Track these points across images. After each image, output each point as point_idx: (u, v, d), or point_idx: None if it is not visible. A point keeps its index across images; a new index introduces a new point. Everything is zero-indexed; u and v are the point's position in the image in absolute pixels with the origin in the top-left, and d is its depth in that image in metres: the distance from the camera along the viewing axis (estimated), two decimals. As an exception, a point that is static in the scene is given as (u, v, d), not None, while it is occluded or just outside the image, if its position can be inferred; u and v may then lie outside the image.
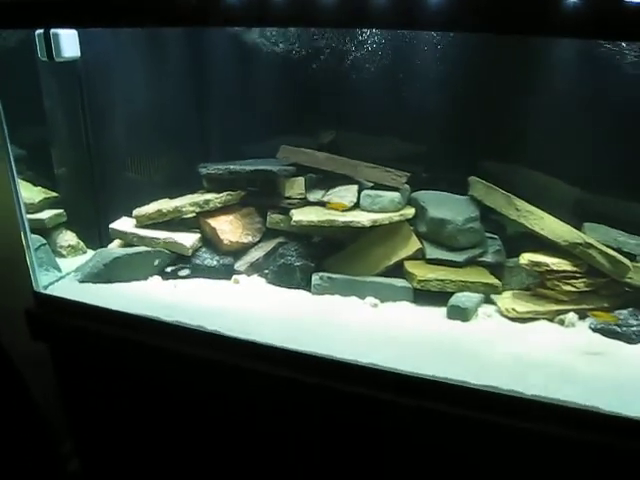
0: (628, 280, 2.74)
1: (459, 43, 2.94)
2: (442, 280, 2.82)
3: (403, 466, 2.54)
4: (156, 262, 3.03)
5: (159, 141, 3.33)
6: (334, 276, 2.91)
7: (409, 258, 2.97)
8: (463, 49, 2.95)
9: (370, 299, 2.85)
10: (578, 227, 2.86)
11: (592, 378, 2.35)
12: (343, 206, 2.93)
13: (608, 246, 2.76)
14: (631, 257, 2.79)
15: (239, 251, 3.15)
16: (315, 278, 2.92)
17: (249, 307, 2.82)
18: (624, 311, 2.71)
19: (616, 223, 2.93)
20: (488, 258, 2.98)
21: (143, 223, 3.11)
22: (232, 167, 3.11)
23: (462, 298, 2.77)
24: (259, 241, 3.18)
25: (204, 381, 2.70)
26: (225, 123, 3.32)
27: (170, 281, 3.02)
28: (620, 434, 2.13)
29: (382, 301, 2.86)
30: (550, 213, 2.86)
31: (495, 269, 2.99)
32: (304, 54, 3.12)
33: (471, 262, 2.96)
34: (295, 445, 2.69)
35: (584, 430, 2.16)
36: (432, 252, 2.95)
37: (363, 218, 2.88)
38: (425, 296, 2.85)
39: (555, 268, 2.73)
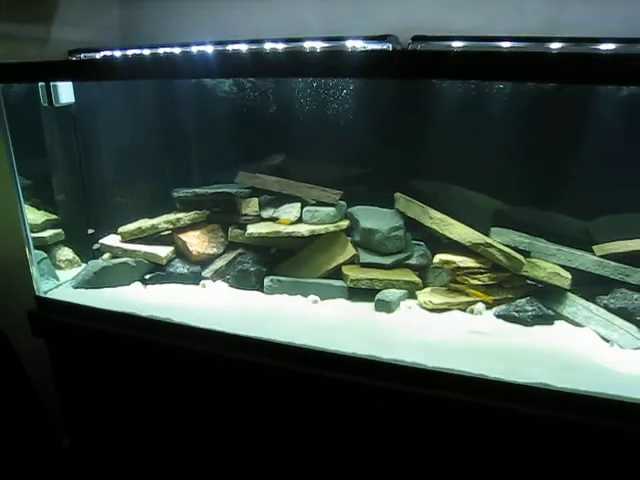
0: (525, 273, 3.11)
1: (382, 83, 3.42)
2: (371, 279, 3.23)
3: (327, 433, 2.90)
4: (137, 271, 3.46)
5: (140, 171, 3.77)
6: (282, 279, 3.32)
7: (346, 263, 3.37)
8: (387, 87, 3.44)
9: (312, 297, 3.25)
10: (486, 231, 3.26)
11: (488, 353, 2.74)
12: (288, 221, 3.37)
13: (507, 246, 3.15)
14: (526, 254, 3.18)
15: (206, 261, 3.56)
16: (267, 281, 3.34)
17: (212, 305, 3.23)
18: (522, 300, 3.09)
19: (522, 227, 3.30)
20: (414, 261, 3.40)
21: (127, 238, 3.53)
22: (198, 191, 3.57)
23: (387, 293, 3.16)
24: (223, 252, 3.60)
25: (173, 365, 3.06)
26: (194, 155, 3.76)
27: (149, 286, 3.45)
28: (511, 397, 2.49)
29: (322, 299, 3.26)
30: (461, 221, 3.25)
31: (421, 270, 3.41)
32: (255, 96, 3.60)
33: (399, 265, 3.36)
34: (244, 415, 3.06)
35: (478, 395, 2.52)
36: (365, 257, 3.35)
37: (303, 229, 3.31)
38: (359, 293, 3.25)
39: (462, 265, 3.12)
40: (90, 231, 3.76)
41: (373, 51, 2.80)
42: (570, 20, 3.06)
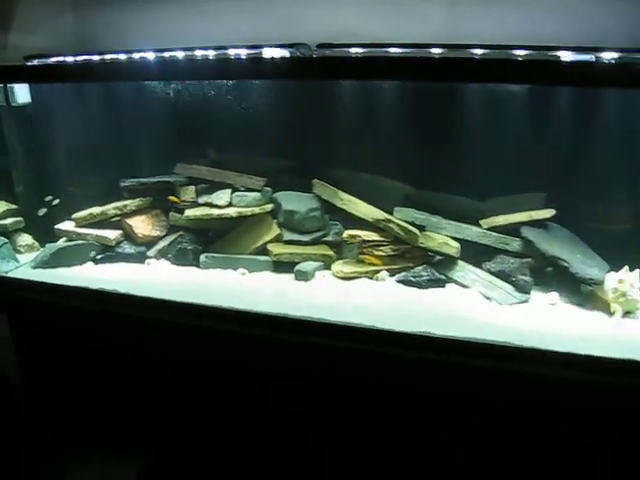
0: (421, 245, 3.48)
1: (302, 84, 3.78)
2: (291, 253, 3.60)
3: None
4: (89, 252, 3.78)
5: (92, 164, 4.08)
6: (216, 255, 3.69)
7: (272, 241, 3.73)
8: (307, 89, 3.78)
9: (241, 270, 3.62)
10: (391, 210, 3.61)
11: (383, 310, 3.10)
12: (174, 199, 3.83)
13: (406, 221, 3.52)
14: (422, 228, 3.54)
15: (150, 242, 3.90)
16: (202, 257, 3.70)
17: (153, 278, 3.59)
18: (419, 267, 3.47)
19: (426, 208, 3.65)
20: (330, 238, 3.77)
21: (80, 224, 3.84)
22: (142, 180, 3.93)
23: (304, 265, 3.53)
24: (165, 234, 3.94)
25: (121, 331, 3.37)
26: (140, 150, 4.08)
27: (100, 265, 3.78)
28: (398, 344, 2.83)
29: (250, 271, 3.62)
30: (374, 203, 3.60)
31: (337, 246, 3.77)
32: (194, 97, 3.95)
33: (317, 241, 3.73)
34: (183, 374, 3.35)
35: (370, 342, 2.87)
36: (287, 235, 3.72)
37: (231, 211, 3.69)
38: (282, 266, 3.61)
39: (367, 239, 3.50)
40: (41, 211, 4.03)
41: (282, 57, 3.17)
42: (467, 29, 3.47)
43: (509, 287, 3.29)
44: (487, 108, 3.49)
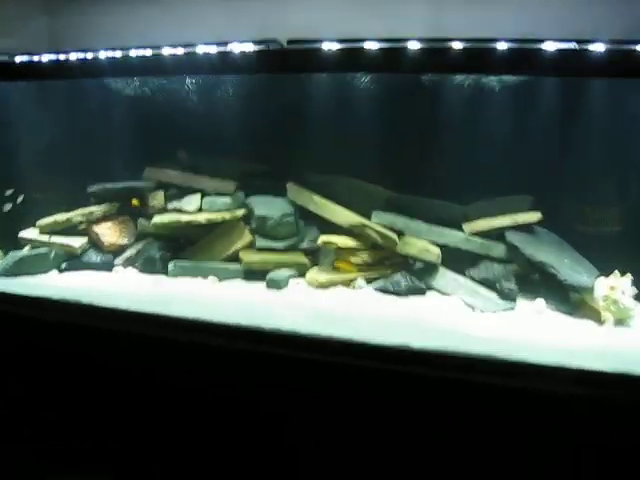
0: (399, 251, 3.29)
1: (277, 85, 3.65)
2: (263, 261, 3.42)
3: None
4: (54, 260, 3.61)
5: (58, 170, 3.88)
6: (185, 263, 3.52)
7: (244, 248, 3.55)
8: (281, 90, 3.64)
9: (211, 278, 3.44)
10: (369, 215, 3.43)
11: (359, 320, 2.94)
12: (137, 202, 3.67)
13: (384, 226, 3.34)
14: (401, 233, 3.36)
15: (118, 250, 3.73)
16: (170, 265, 3.52)
17: (119, 288, 3.41)
18: (398, 274, 3.28)
19: (406, 213, 3.46)
20: (304, 245, 3.57)
21: (44, 231, 3.68)
22: (108, 186, 3.76)
23: (276, 273, 3.36)
24: (133, 242, 3.77)
25: (83, 343, 3.17)
26: (110, 153, 3.87)
27: (64, 274, 3.60)
28: (374, 357, 2.68)
29: (221, 280, 3.45)
30: (353, 208, 3.44)
31: (312, 253, 3.58)
32: (164, 99, 3.79)
33: (291, 248, 3.53)
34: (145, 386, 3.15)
35: (344, 355, 2.71)
36: (260, 242, 3.52)
37: (200, 217, 3.51)
38: (254, 275, 3.43)
39: (342, 245, 3.32)
40: (7, 207, 3.87)
41: (251, 50, 3.00)
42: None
43: (493, 295, 3.17)
44: (469, 107, 3.35)
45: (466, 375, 2.57)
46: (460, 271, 3.30)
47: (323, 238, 3.35)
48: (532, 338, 2.76)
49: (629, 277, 2.94)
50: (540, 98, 3.23)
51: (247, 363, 2.87)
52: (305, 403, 2.86)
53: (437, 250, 3.28)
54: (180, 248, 3.68)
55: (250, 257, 3.44)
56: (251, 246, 3.56)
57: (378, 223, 3.36)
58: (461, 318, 2.99)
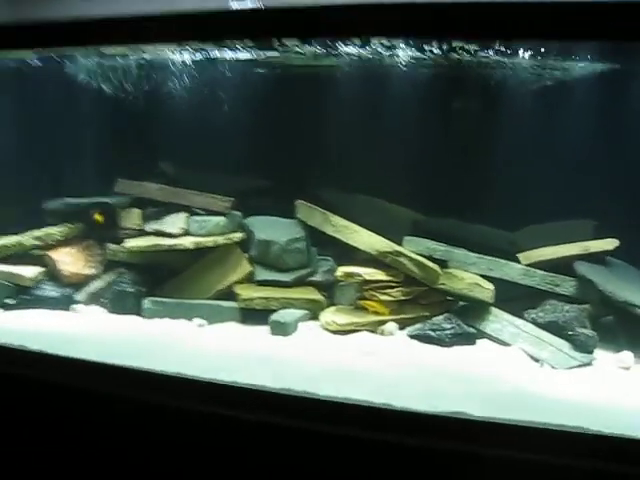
0: (442, 286, 2.70)
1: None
2: (266, 298, 2.79)
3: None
4: None
5: (6, 182, 3.21)
6: (164, 300, 2.87)
7: (241, 281, 2.93)
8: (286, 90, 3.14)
9: (197, 320, 2.79)
10: (401, 238, 2.88)
11: (394, 379, 2.31)
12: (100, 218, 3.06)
13: (421, 255, 2.75)
14: (443, 263, 2.80)
15: (81, 282, 3.07)
16: (146, 302, 2.85)
17: (80, 330, 2.75)
18: (439, 317, 2.68)
19: (441, 238, 2.94)
20: (318, 277, 2.98)
21: None
22: (70, 201, 3.12)
23: (283, 314, 2.73)
24: (102, 273, 3.10)
25: (30, 399, 2.51)
26: (77, 162, 3.26)
27: (10, 311, 2.90)
28: (423, 430, 2.07)
29: (210, 322, 2.80)
30: (372, 229, 2.87)
31: (327, 288, 2.98)
32: (142, 98, 3.21)
33: (301, 282, 2.93)
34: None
35: (381, 429, 2.08)
36: (261, 274, 2.92)
37: (186, 241, 2.88)
38: (254, 315, 2.79)
39: (369, 278, 2.69)
40: None
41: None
42: None
43: (564, 344, 2.62)
44: (510, 111, 2.94)
45: (540, 454, 1.97)
46: (518, 313, 2.74)
47: (343, 269, 2.74)
48: (622, 404, 2.22)
49: None
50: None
51: (245, 435, 2.24)
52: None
53: (491, 286, 2.71)
54: (159, 281, 3.05)
55: (249, 293, 2.84)
56: (250, 279, 2.97)
57: (414, 251, 2.76)
58: (524, 375, 2.44)
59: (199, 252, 2.97)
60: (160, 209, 3.13)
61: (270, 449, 2.29)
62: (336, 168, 3.15)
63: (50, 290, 3.03)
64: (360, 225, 2.92)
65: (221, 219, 2.95)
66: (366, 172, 3.12)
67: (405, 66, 2.99)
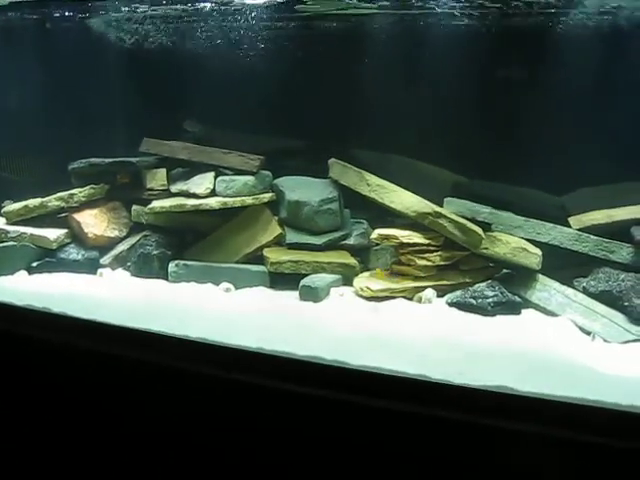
0: (484, 251, 2.54)
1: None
2: (296, 262, 2.68)
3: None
4: (22, 257, 2.88)
5: (30, 143, 3.25)
6: (190, 263, 2.78)
7: (271, 244, 2.83)
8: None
9: (224, 285, 2.69)
10: (440, 202, 2.70)
11: (430, 348, 2.19)
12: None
13: (462, 217, 2.59)
14: (486, 226, 2.63)
15: (105, 245, 3.01)
16: (171, 266, 2.78)
17: (104, 295, 2.68)
18: (482, 284, 2.52)
19: (484, 202, 2.75)
20: (352, 241, 2.85)
21: (12, 220, 2.98)
22: (93, 161, 3.02)
23: (314, 278, 2.61)
24: (127, 235, 3.04)
25: (54, 363, 2.53)
26: (101, 121, 3.20)
27: (35, 275, 2.86)
28: (464, 404, 1.95)
29: (238, 286, 2.70)
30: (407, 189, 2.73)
31: (361, 252, 2.86)
32: (168, 48, 3.09)
33: (333, 245, 2.80)
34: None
35: (419, 402, 1.96)
36: (292, 237, 2.81)
37: (212, 201, 2.77)
38: (284, 280, 2.69)
39: (406, 241, 2.54)
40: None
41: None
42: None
43: (619, 316, 2.46)
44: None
45: (586, 436, 1.84)
46: (568, 281, 2.57)
47: (379, 232, 2.59)
48: None
49: None
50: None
51: (271, 405, 2.15)
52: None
53: (538, 251, 2.53)
54: (186, 244, 2.98)
55: (278, 256, 2.73)
56: (280, 242, 2.86)
57: (455, 213, 2.60)
58: (574, 349, 2.28)
59: (227, 214, 2.87)
60: (187, 169, 3.03)
61: (295, 418, 2.18)
62: (372, 127, 2.98)
63: (75, 253, 2.99)
64: (399, 187, 2.75)
65: (249, 179, 2.83)
66: (404, 132, 2.95)
67: (448, 16, 2.81)
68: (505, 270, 2.71)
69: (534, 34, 2.80)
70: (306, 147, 3.11)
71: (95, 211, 3.02)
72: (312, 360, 2.19)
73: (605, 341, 2.38)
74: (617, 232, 2.66)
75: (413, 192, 2.78)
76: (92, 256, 2.97)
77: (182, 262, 2.79)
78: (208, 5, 2.71)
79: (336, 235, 2.82)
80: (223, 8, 2.75)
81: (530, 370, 2.13)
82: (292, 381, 2.19)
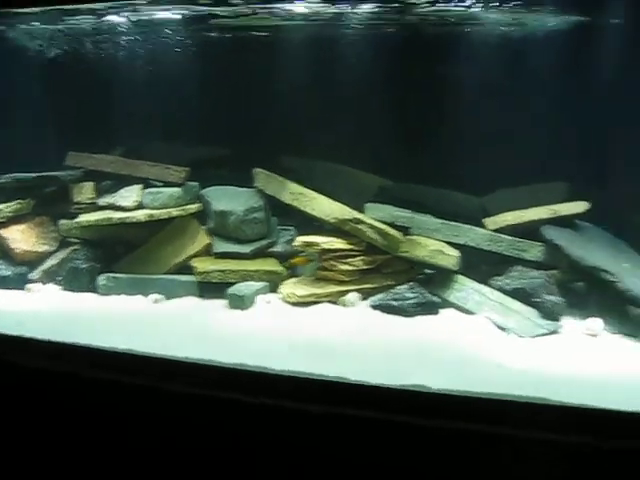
0: (404, 254, 2.64)
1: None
2: (223, 271, 2.73)
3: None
4: None
5: None
6: (119, 276, 2.81)
7: (199, 254, 2.86)
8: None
9: (153, 296, 2.73)
10: (361, 208, 2.81)
11: (353, 350, 2.28)
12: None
13: (383, 222, 2.69)
14: (406, 230, 2.73)
15: (37, 260, 3.00)
16: (101, 279, 2.80)
17: (33, 310, 2.68)
18: (403, 286, 2.62)
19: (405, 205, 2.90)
20: (279, 248, 2.91)
21: None
22: (19, 176, 3.01)
23: (241, 287, 2.67)
24: (56, 250, 3.03)
25: None
26: (26, 135, 3.20)
27: None
28: (381, 404, 2.06)
29: (168, 297, 2.75)
30: (336, 197, 2.79)
31: (290, 259, 2.88)
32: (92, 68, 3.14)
33: (261, 253, 2.86)
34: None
35: (337, 403, 2.05)
36: (220, 246, 2.86)
37: (138, 214, 2.80)
38: (213, 288, 2.74)
39: (328, 247, 2.62)
40: None
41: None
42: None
43: (531, 312, 2.58)
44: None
45: (498, 428, 1.97)
46: (484, 280, 2.68)
47: (302, 239, 2.67)
48: (588, 372, 2.19)
49: None
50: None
51: (200, 411, 2.21)
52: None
53: (455, 252, 2.64)
54: (116, 256, 2.98)
55: (206, 266, 2.78)
56: (209, 252, 2.90)
57: (375, 218, 2.70)
58: (490, 345, 2.38)
59: (156, 225, 2.89)
60: (115, 182, 3.03)
61: (231, 428, 2.23)
62: (299, 135, 3.06)
63: (3, 269, 2.94)
64: (325, 192, 2.83)
65: (176, 190, 2.87)
66: (330, 138, 3.03)
67: (362, 26, 2.91)
68: (429, 271, 2.77)
69: (440, 41, 2.93)
70: (235, 157, 3.15)
71: (22, 226, 3.00)
72: (236, 367, 2.22)
73: (519, 336, 2.48)
74: (531, 232, 2.75)
75: (341, 197, 2.83)
76: (21, 271, 2.95)
77: (112, 275, 2.81)
78: (123, 20, 2.74)
79: (263, 243, 2.88)
80: (139, 21, 2.79)
81: (445, 368, 2.18)
82: (217, 388, 2.20)
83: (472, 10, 2.62)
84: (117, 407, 2.43)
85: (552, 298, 2.59)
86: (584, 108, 2.74)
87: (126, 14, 2.75)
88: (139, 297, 2.79)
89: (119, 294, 2.81)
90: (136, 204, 2.88)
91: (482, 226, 2.79)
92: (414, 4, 2.59)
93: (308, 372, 2.14)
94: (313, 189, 2.84)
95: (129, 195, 2.90)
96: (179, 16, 2.81)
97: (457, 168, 2.90)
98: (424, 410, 2.06)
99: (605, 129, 2.75)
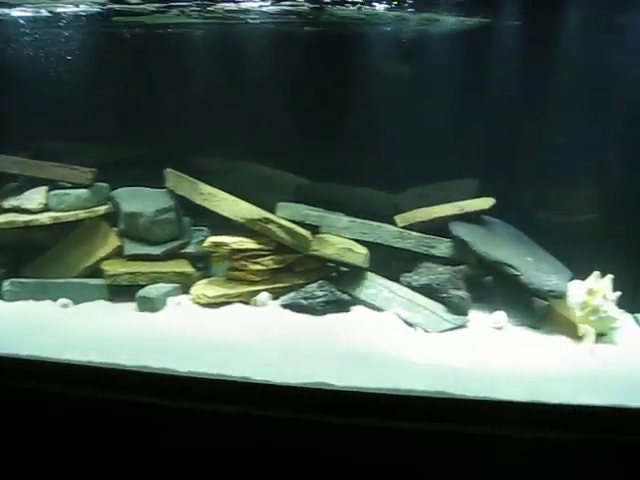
0: (314, 253, 2.65)
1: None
2: (133, 273, 2.69)
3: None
4: None
5: None
6: (25, 281, 2.73)
7: (110, 257, 2.81)
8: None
9: (61, 300, 2.67)
10: (272, 208, 2.80)
11: (262, 350, 2.28)
12: None
13: (292, 221, 2.70)
14: (314, 229, 2.75)
15: None
16: (5, 285, 2.71)
17: None
18: (313, 285, 2.64)
19: (323, 205, 2.92)
20: (191, 249, 2.89)
21: None
22: None
23: (150, 289, 2.64)
24: None
25: None
26: None
27: None
28: (281, 403, 2.06)
29: (77, 301, 2.68)
30: (254, 200, 2.76)
31: (203, 259, 2.90)
32: None
33: (174, 254, 2.84)
34: None
35: (244, 402, 2.06)
36: (131, 248, 2.81)
37: (43, 216, 2.73)
38: (124, 291, 2.69)
39: (237, 247, 2.61)
40: None
41: None
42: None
43: (439, 307, 2.62)
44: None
45: (406, 422, 2.00)
46: (394, 277, 2.73)
47: (212, 239, 2.66)
48: (492, 365, 2.22)
49: (610, 278, 2.47)
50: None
51: (110, 416, 2.15)
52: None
53: (363, 250, 2.67)
54: (24, 260, 2.88)
55: (116, 268, 2.72)
56: (120, 254, 2.84)
57: (285, 218, 2.71)
58: (396, 341, 2.42)
59: (65, 228, 2.81)
60: (21, 184, 2.92)
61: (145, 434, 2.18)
62: (215, 135, 3.05)
63: None
64: (243, 193, 2.80)
65: (83, 192, 2.80)
66: (248, 138, 3.04)
67: (275, 23, 2.92)
68: (344, 269, 2.79)
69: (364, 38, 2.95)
70: (147, 157, 3.12)
71: None
72: (142, 370, 2.19)
73: (426, 331, 2.51)
74: (442, 229, 2.79)
75: (258, 197, 2.81)
76: None
77: (17, 280, 2.73)
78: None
79: (175, 244, 2.85)
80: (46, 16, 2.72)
81: (351, 365, 2.19)
82: (126, 392, 2.16)
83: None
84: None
85: (459, 293, 2.62)
86: (489, 107, 2.77)
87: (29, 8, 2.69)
88: (47, 302, 2.70)
89: (26, 300, 2.71)
90: (42, 206, 2.79)
91: (393, 223, 2.80)
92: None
93: (216, 373, 2.11)
94: (230, 190, 2.80)
95: (34, 197, 2.80)
96: (84, 12, 2.76)
97: (373, 167, 2.96)
98: (328, 408, 2.06)
99: (508, 128, 2.81)
